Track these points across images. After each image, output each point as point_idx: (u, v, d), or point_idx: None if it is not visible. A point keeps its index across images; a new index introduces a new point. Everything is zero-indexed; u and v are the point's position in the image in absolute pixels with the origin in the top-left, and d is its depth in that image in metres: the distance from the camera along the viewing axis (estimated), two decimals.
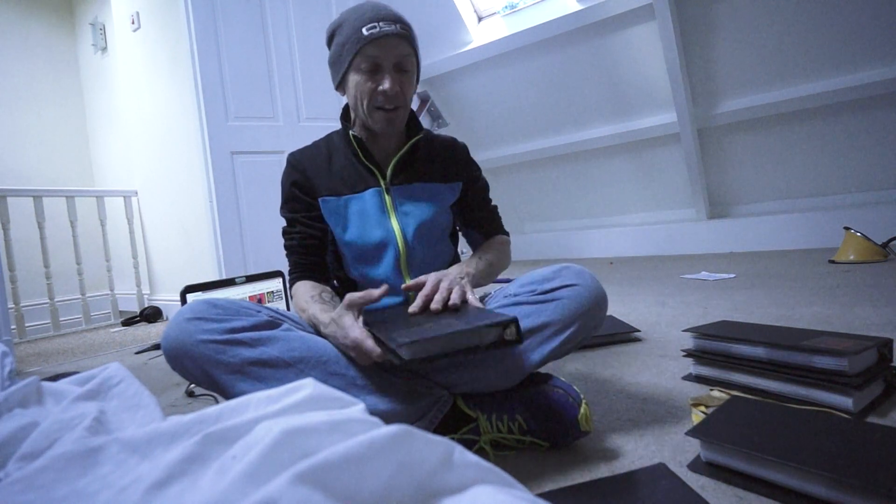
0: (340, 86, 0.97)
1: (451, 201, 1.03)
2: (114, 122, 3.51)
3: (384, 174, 0.98)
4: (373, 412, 0.63)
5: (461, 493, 0.30)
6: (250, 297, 1.58)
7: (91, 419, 0.46)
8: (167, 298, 3.02)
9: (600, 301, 0.83)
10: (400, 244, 0.95)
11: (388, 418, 0.74)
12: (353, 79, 0.91)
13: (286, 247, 1.01)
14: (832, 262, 2.41)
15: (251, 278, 1.61)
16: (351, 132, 0.97)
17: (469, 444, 0.79)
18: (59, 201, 3.06)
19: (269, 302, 1.62)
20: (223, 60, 2.42)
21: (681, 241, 3.51)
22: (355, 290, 1.04)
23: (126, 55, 3.06)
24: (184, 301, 1.53)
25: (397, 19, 0.90)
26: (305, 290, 0.93)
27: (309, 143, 1.06)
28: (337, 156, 1.00)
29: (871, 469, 0.55)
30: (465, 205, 1.07)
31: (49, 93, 3.64)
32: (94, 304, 3.36)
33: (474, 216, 1.08)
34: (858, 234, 2.38)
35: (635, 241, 3.72)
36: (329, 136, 1.05)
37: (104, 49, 3.48)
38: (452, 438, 0.79)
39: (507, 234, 1.13)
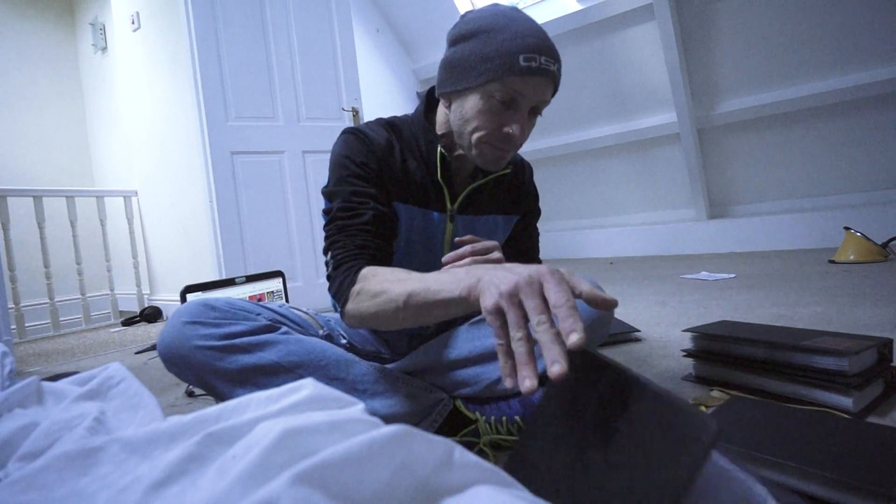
0: (449, 95, 0.80)
1: (505, 236, 0.98)
2: (114, 122, 3.51)
3: (454, 197, 0.87)
4: (373, 415, 0.63)
5: (461, 493, 0.30)
6: (250, 297, 1.58)
7: (91, 419, 0.46)
8: (167, 298, 3.02)
9: (606, 314, 0.82)
10: None
11: (388, 421, 0.74)
12: (476, 102, 0.76)
13: (342, 226, 0.77)
14: (832, 262, 2.41)
15: (251, 278, 1.61)
16: (440, 148, 0.84)
17: (469, 447, 0.79)
18: (59, 201, 3.06)
19: (268, 301, 1.62)
20: (223, 60, 2.42)
21: (681, 241, 3.51)
22: None
23: (126, 55, 3.06)
24: (184, 301, 1.53)
25: (557, 57, 0.75)
26: (393, 271, 0.70)
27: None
28: (410, 158, 0.85)
29: (871, 469, 0.55)
30: (514, 234, 1.00)
31: (49, 93, 3.64)
32: (94, 304, 3.36)
33: (519, 245, 1.01)
34: (858, 234, 2.38)
35: (635, 241, 3.72)
36: (397, 128, 0.87)
37: (104, 49, 3.48)
38: (452, 440, 0.79)
39: (540, 261, 1.07)
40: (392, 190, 0.83)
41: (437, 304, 0.58)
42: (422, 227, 0.86)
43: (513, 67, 0.72)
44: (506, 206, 0.95)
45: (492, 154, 0.79)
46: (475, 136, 0.77)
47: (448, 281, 0.57)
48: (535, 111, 0.78)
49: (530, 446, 0.48)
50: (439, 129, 0.86)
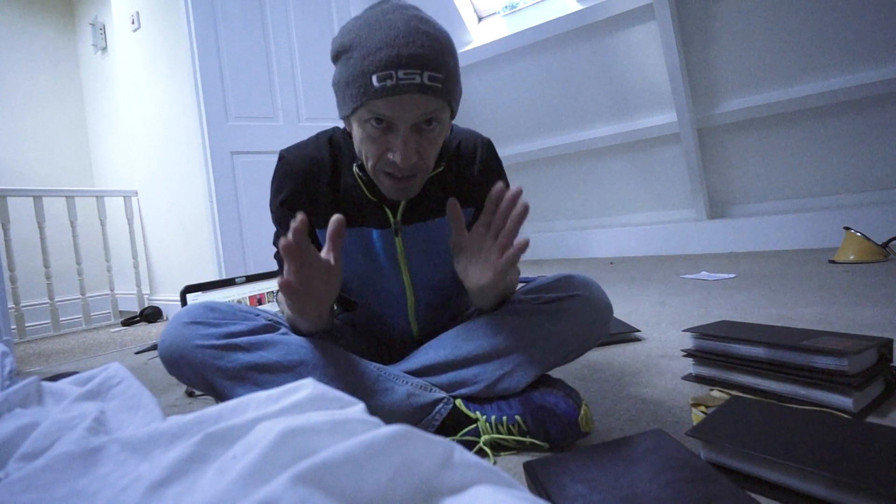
0: (345, 119, 0.75)
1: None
2: (114, 122, 3.51)
3: (394, 211, 0.82)
4: (373, 415, 0.63)
5: (461, 493, 0.30)
6: (250, 297, 1.58)
7: (91, 419, 0.46)
8: (167, 298, 3.02)
9: (605, 313, 0.81)
10: (409, 297, 0.88)
11: (388, 420, 0.74)
12: (357, 130, 0.71)
13: (277, 257, 0.85)
14: (832, 262, 2.41)
15: (251, 278, 1.61)
16: (356, 168, 0.78)
17: (469, 446, 0.78)
18: (59, 201, 3.06)
19: (269, 302, 1.62)
20: (223, 60, 2.42)
21: (681, 241, 3.51)
22: (351, 306, 0.98)
23: (126, 55, 3.06)
24: (184, 301, 1.53)
25: (424, 63, 0.64)
26: None
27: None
28: (345, 172, 0.81)
29: (871, 469, 0.55)
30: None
31: (49, 93, 3.64)
32: (94, 304, 3.36)
33: None
34: (858, 234, 2.38)
35: (635, 241, 3.72)
36: (335, 141, 0.83)
37: (104, 49, 3.48)
38: (452, 440, 0.79)
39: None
40: (319, 214, 0.79)
41: None
42: (363, 248, 0.82)
43: (367, 90, 0.64)
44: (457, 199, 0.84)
45: (392, 185, 0.72)
46: (369, 165, 0.72)
47: None
48: (427, 124, 0.68)
49: None
50: None
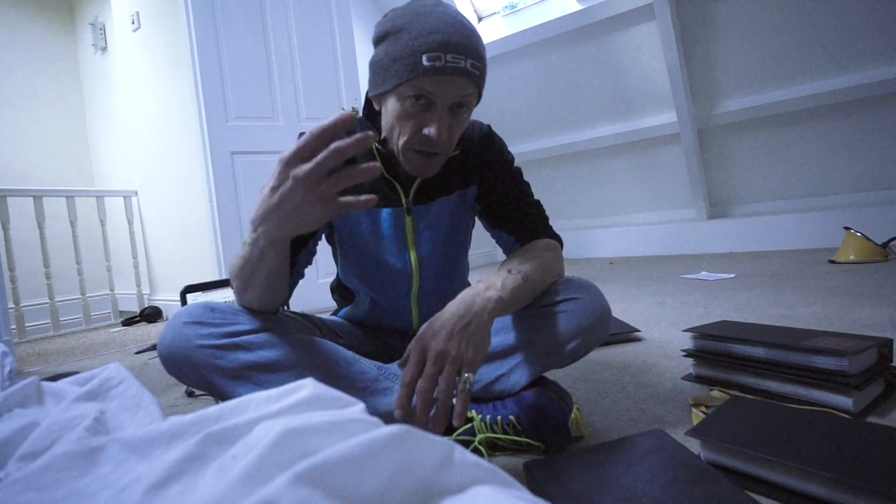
0: (377, 98, 0.80)
1: (470, 208, 0.94)
2: (114, 122, 3.51)
3: (407, 191, 0.86)
4: (372, 414, 0.62)
5: (461, 493, 0.30)
6: None
7: (91, 419, 0.46)
8: (167, 298, 3.02)
9: (604, 316, 0.80)
10: (415, 279, 0.90)
11: (388, 419, 0.74)
12: (394, 106, 0.75)
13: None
14: (832, 262, 2.41)
15: None
16: (376, 145, 0.84)
17: (464, 445, 0.78)
18: (59, 201, 3.06)
19: None
20: (223, 60, 2.42)
21: (681, 241, 3.51)
22: (351, 297, 1.00)
23: (126, 55, 3.06)
24: (184, 301, 1.53)
25: (468, 51, 0.72)
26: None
27: None
28: (361, 158, 0.85)
29: (871, 469, 0.55)
30: (488, 205, 0.92)
31: (49, 93, 3.64)
32: (94, 304, 3.36)
33: (502, 217, 0.91)
34: (858, 234, 2.38)
35: (635, 241, 3.72)
36: (351, 129, 0.88)
37: (104, 49, 3.48)
38: (448, 439, 0.79)
39: (554, 236, 0.91)
40: None
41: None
42: (370, 227, 0.87)
43: (417, 68, 0.70)
44: (460, 179, 0.90)
45: (418, 161, 0.78)
46: (400, 141, 0.77)
47: None
48: (459, 107, 0.76)
49: None
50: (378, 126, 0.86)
